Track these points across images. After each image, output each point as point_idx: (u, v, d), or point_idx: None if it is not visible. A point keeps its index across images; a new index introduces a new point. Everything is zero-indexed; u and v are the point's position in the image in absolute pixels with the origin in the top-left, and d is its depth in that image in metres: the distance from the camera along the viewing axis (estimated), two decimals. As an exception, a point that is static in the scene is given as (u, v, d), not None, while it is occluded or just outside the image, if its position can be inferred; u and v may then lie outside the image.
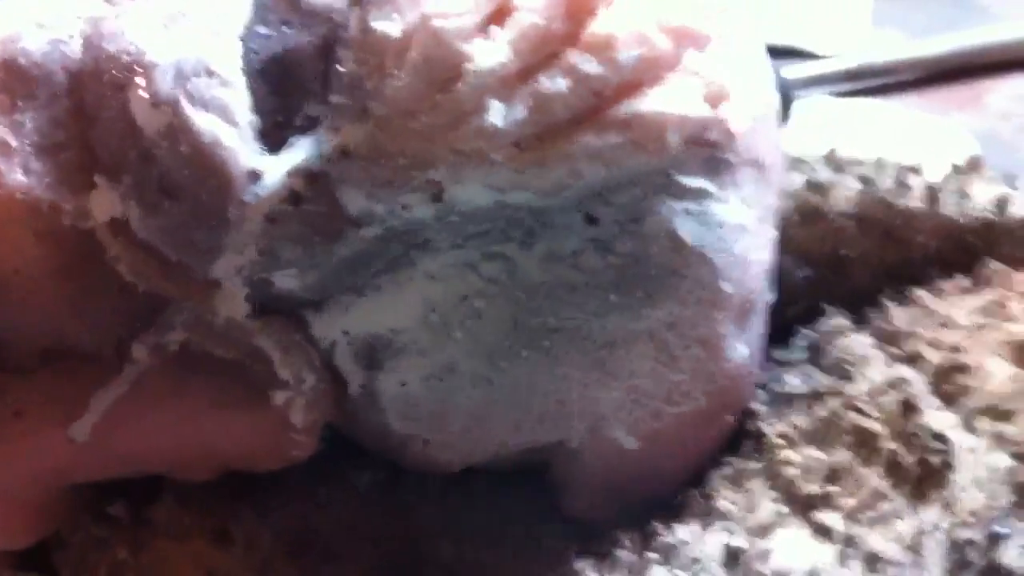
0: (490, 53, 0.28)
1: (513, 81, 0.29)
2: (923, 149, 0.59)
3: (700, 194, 0.30)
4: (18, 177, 0.31)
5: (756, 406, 0.33)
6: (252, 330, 0.32)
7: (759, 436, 0.32)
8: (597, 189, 0.30)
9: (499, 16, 0.29)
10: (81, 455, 0.34)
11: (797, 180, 0.40)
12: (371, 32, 0.29)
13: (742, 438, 0.33)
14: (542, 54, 0.29)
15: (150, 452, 0.34)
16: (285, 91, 0.31)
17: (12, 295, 0.32)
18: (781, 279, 0.39)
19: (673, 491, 0.33)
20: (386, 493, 0.37)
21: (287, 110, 0.31)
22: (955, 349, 0.31)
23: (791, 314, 0.39)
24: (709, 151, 0.30)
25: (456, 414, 0.32)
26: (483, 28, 0.29)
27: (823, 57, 0.67)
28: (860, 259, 0.39)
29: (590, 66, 0.29)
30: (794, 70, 0.64)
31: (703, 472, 0.33)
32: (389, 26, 0.29)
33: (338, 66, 0.30)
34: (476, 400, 0.32)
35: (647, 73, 0.29)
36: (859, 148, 0.44)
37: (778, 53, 0.67)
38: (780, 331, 0.36)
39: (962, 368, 0.30)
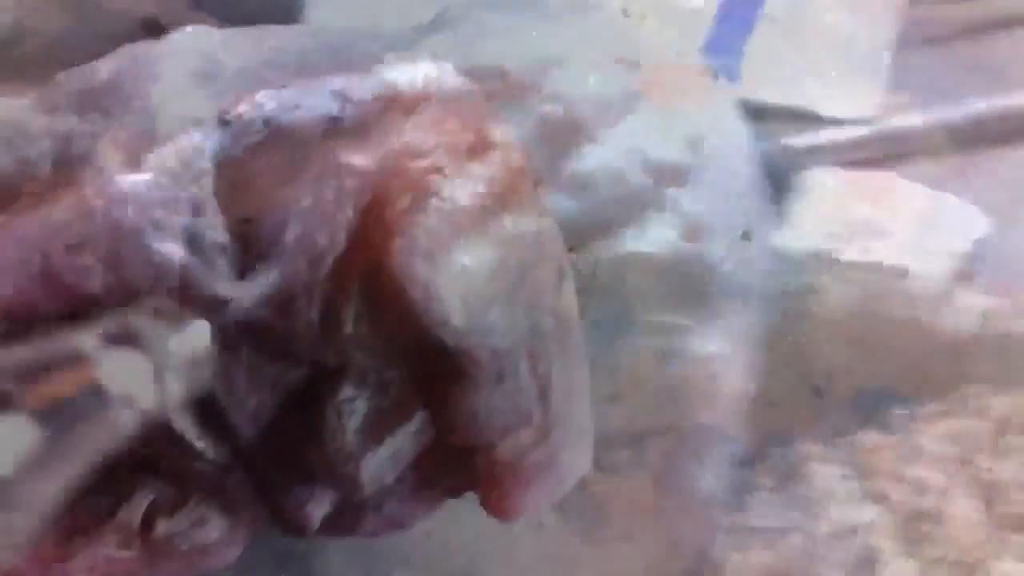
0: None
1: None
2: (930, 230, 0.58)
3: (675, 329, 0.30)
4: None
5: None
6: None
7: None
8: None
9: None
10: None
11: (784, 279, 0.40)
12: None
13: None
14: None
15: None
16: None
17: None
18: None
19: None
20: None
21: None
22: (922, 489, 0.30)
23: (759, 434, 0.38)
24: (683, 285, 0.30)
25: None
26: None
27: (832, 121, 0.67)
28: (836, 370, 0.39)
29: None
30: (800, 139, 0.63)
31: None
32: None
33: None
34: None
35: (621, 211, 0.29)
36: (861, 232, 0.44)
37: (783, 117, 0.66)
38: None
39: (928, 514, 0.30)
